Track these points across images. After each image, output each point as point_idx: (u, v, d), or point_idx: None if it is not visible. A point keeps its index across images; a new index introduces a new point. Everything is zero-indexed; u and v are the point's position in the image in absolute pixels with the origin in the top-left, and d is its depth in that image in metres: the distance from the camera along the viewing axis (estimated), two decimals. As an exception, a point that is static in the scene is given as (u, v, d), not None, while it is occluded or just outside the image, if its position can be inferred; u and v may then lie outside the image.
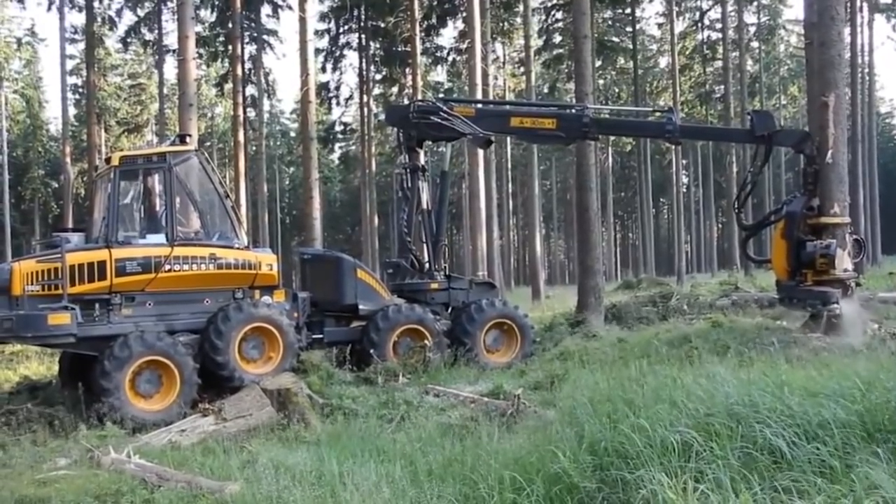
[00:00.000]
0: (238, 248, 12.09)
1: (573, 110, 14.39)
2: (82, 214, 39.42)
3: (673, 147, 52.88)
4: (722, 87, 53.84)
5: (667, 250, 74.55)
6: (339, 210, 75.14)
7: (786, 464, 4.89)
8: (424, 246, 14.68)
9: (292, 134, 73.20)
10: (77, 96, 51.77)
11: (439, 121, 13.98)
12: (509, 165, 54.69)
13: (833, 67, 13.42)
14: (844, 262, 12.35)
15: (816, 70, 14.03)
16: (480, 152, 28.80)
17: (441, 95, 40.41)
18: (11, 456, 8.84)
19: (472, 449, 6.78)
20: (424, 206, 14.69)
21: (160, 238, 11.60)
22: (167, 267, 11.39)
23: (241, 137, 37.18)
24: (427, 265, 14.50)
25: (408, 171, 14.69)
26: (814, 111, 19.93)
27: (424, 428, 8.58)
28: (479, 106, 15.44)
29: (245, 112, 39.69)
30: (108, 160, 12.16)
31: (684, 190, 62.40)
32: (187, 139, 12.86)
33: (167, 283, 11.48)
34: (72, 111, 49.03)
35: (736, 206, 15.72)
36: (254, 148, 45.51)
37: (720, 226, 75.98)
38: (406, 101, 33.98)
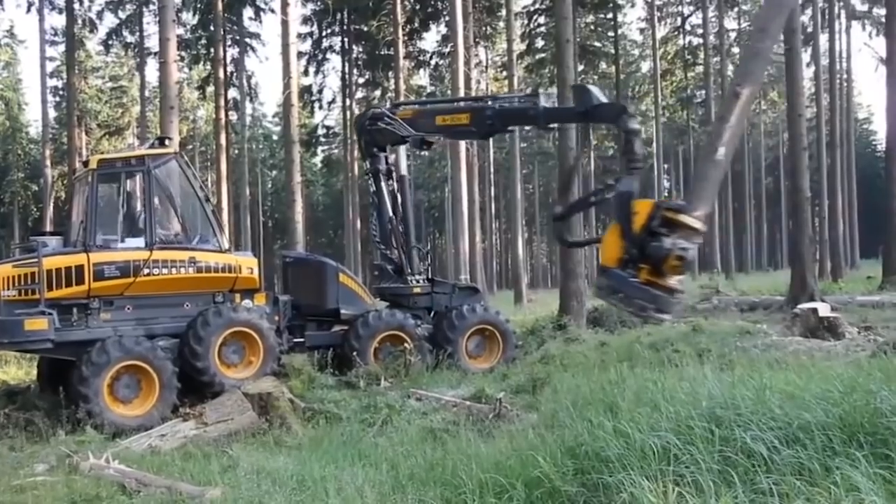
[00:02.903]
0: (218, 252, 11.97)
1: (484, 103, 13.92)
2: (62, 218, 39.09)
3: (654, 151, 53.32)
4: (703, 91, 54.23)
5: (649, 254, 74.88)
6: (321, 213, 74.98)
7: (766, 466, 4.91)
8: (397, 251, 14.62)
9: (275, 137, 72.95)
10: (57, 98, 51.28)
11: (384, 126, 14.08)
12: (492, 169, 54.82)
13: (759, 59, 11.61)
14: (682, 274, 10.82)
15: (742, 59, 12.48)
16: (463, 156, 28.86)
17: (424, 98, 40.51)
18: (-12, 462, 8.73)
19: (454, 453, 6.77)
20: (391, 210, 14.63)
21: (139, 242, 11.48)
22: (146, 271, 11.25)
23: (223, 140, 37.06)
24: (404, 269, 14.45)
25: (371, 176, 14.77)
26: (792, 117, 20.18)
27: (406, 432, 8.56)
28: (414, 108, 15.31)
29: (227, 115, 39.56)
30: (85, 163, 12.03)
31: (666, 194, 62.72)
32: (167, 142, 12.71)
33: (146, 287, 11.35)
34: (52, 114, 48.53)
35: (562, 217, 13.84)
36: (236, 151, 45.32)
37: (701, 230, 76.36)
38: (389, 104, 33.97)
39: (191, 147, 57.42)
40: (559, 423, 6.81)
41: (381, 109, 14.87)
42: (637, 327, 16.89)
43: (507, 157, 45.11)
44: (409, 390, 11.05)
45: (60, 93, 49.75)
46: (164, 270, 11.41)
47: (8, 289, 10.71)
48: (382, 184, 14.61)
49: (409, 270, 14.33)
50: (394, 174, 14.82)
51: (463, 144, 27.54)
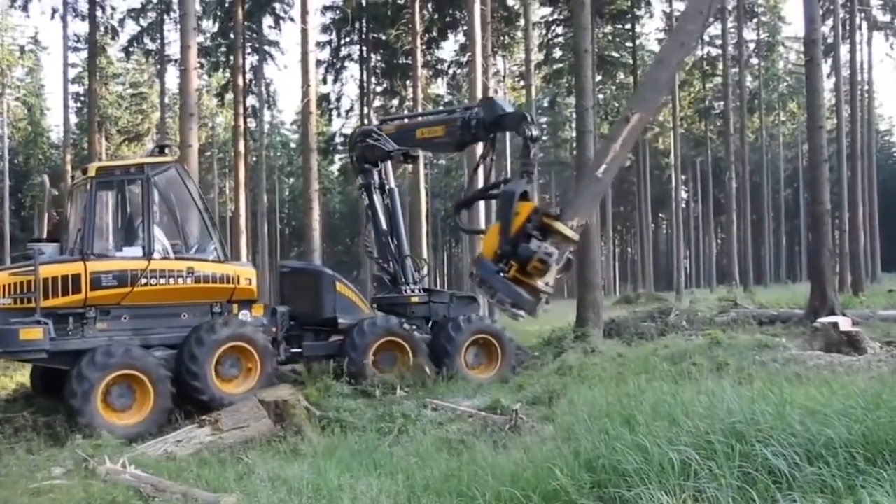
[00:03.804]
0: (216, 262, 11.84)
1: (458, 113, 13.92)
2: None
3: (672, 162, 53.13)
4: (721, 102, 53.98)
5: (666, 265, 74.65)
6: (338, 221, 75.16)
7: (786, 483, 4.84)
8: (391, 262, 14.51)
9: (292, 145, 73.30)
10: (79, 104, 51.79)
11: (372, 142, 14.20)
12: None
13: (655, 88, 12.06)
14: (550, 277, 11.19)
15: (639, 86, 12.87)
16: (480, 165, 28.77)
17: (441, 108, 40.44)
18: (6, 464, 8.78)
19: (470, 464, 6.74)
20: (384, 223, 14.66)
21: (137, 251, 11.37)
22: (143, 281, 11.15)
23: (241, 147, 37.23)
24: (398, 279, 14.36)
25: (362, 190, 14.82)
26: (812, 129, 20.02)
27: (422, 442, 8.52)
28: (397, 123, 15.24)
29: (246, 122, 39.73)
30: (84, 171, 11.88)
31: (683, 205, 62.51)
32: (167, 150, 12.55)
33: (143, 297, 11.23)
34: (73, 119, 49.01)
35: (462, 205, 15.16)
36: (254, 158, 45.51)
37: (719, 241, 76.08)
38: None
39: (209, 154, 57.83)
40: (575, 435, 6.75)
41: (369, 126, 15.12)
42: (654, 339, 16.81)
43: (525, 167, 45.06)
44: (425, 400, 11.03)
45: (82, 98, 50.25)
46: (162, 280, 11.31)
47: (3, 297, 10.62)
48: (375, 197, 14.68)
49: (404, 280, 14.29)
50: (385, 187, 14.86)
51: (479, 147, 27.54)
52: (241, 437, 9.50)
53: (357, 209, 56.92)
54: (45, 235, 13.50)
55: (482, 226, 29.75)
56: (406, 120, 16.27)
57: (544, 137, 67.99)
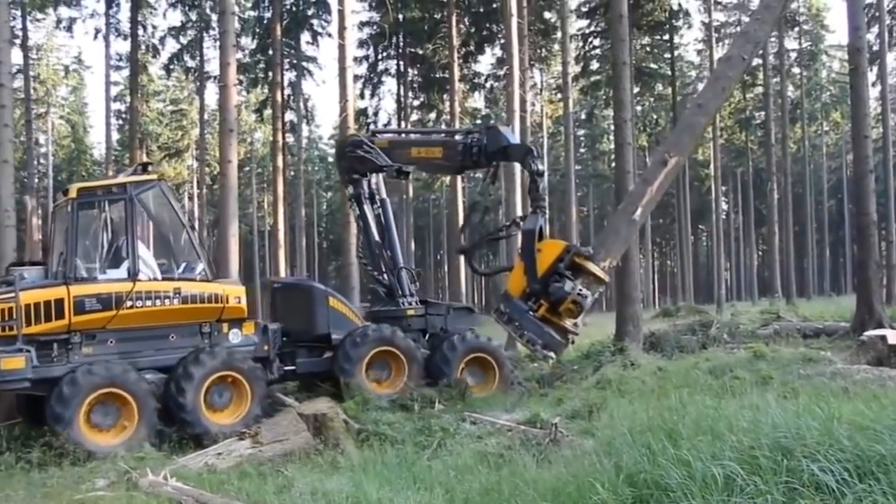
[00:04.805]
0: (204, 281, 11.61)
1: (459, 137, 13.76)
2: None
3: (711, 173, 52.52)
4: (762, 113, 53.29)
5: (706, 278, 73.72)
6: (375, 235, 75.53)
7: (834, 500, 4.73)
8: (386, 274, 14.37)
9: (330, 159, 73.82)
10: (120, 121, 52.87)
11: (362, 154, 14.02)
12: (546, 192, 54.51)
13: (693, 133, 12.25)
14: (580, 317, 11.61)
15: (676, 128, 13.02)
16: (518, 178, 28.78)
17: (478, 122, 40.52)
18: (51, 476, 8.96)
19: (510, 478, 6.69)
20: (377, 234, 14.50)
21: (121, 273, 11.11)
22: (129, 303, 10.89)
23: (280, 162, 37.63)
24: (394, 292, 14.21)
25: (353, 201, 14.68)
26: (858, 138, 19.68)
27: (461, 456, 8.48)
28: (390, 137, 15.14)
29: (284, 137, 40.17)
30: (65, 192, 11.61)
31: (724, 217, 61.70)
32: (149, 168, 12.32)
33: (130, 320, 10.96)
34: (115, 136, 50.02)
35: (466, 250, 14.85)
36: (292, 173, 45.98)
37: (760, 253, 74.98)
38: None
39: (248, 169, 58.51)
40: (616, 449, 6.67)
41: (360, 137, 14.87)
42: (695, 352, 16.57)
43: (562, 181, 44.95)
44: (464, 413, 11.00)
45: (123, 116, 51.30)
46: (148, 302, 11.04)
47: None
48: (366, 208, 14.54)
49: (400, 292, 14.14)
50: (377, 198, 14.75)
51: (517, 166, 27.60)
52: (281, 450, 9.57)
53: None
54: (28, 258, 13.16)
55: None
56: (401, 135, 16.21)
57: (582, 149, 67.78)
